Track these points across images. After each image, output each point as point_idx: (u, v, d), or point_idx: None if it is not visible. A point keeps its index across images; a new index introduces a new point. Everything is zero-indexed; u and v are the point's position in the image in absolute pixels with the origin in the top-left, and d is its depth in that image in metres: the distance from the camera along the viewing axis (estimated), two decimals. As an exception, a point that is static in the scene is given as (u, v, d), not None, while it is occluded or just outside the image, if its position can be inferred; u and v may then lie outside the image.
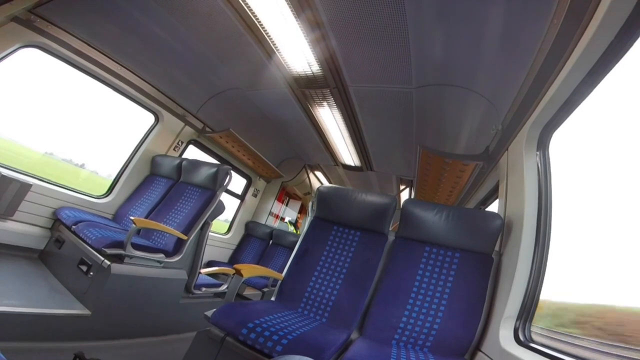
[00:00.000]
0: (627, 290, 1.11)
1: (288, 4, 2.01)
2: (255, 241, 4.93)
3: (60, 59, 2.52)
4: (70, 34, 2.46)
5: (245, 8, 2.15)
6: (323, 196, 2.17)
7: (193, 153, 3.82)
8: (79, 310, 1.89)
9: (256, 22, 2.25)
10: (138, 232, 2.54)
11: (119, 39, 2.67)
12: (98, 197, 2.97)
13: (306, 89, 2.96)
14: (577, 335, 1.25)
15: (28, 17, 2.19)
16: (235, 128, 3.56)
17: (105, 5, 2.37)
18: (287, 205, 7.87)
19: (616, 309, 1.23)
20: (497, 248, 1.82)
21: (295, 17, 2.11)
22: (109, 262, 2.00)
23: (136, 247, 2.18)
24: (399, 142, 3.63)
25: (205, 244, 2.71)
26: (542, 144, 1.66)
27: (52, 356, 1.60)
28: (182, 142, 3.58)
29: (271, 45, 2.46)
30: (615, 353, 1.04)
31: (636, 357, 0.96)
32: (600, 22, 1.02)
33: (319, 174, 5.72)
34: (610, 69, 1.14)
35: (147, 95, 3.10)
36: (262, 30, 2.32)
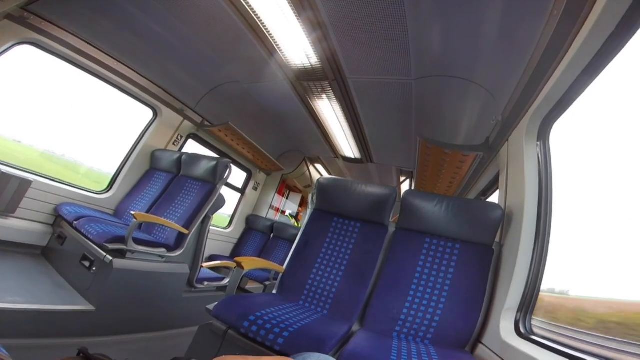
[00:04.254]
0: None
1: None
2: (257, 234, 4.95)
3: (56, 56, 2.49)
4: (65, 31, 2.43)
5: (243, 3, 2.12)
6: (323, 188, 2.16)
7: (193, 147, 3.82)
8: (82, 305, 1.90)
9: (254, 16, 2.22)
10: (139, 226, 2.55)
11: (114, 34, 2.64)
12: (98, 193, 2.98)
13: (305, 82, 2.93)
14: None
15: (21, 14, 2.17)
16: (234, 121, 3.54)
17: (99, 1, 2.34)
18: (287, 198, 7.88)
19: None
20: (497, 239, 1.82)
21: (294, 13, 2.08)
22: (111, 257, 2.01)
23: (138, 241, 2.19)
24: (398, 134, 3.61)
25: (207, 237, 2.72)
26: (543, 135, 1.64)
27: (56, 352, 1.61)
28: (181, 137, 3.57)
29: (270, 39, 2.43)
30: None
31: None
32: (600, 13, 1.00)
33: (319, 166, 5.71)
34: (610, 61, 1.13)
35: (145, 90, 3.08)
36: (260, 25, 2.29)
